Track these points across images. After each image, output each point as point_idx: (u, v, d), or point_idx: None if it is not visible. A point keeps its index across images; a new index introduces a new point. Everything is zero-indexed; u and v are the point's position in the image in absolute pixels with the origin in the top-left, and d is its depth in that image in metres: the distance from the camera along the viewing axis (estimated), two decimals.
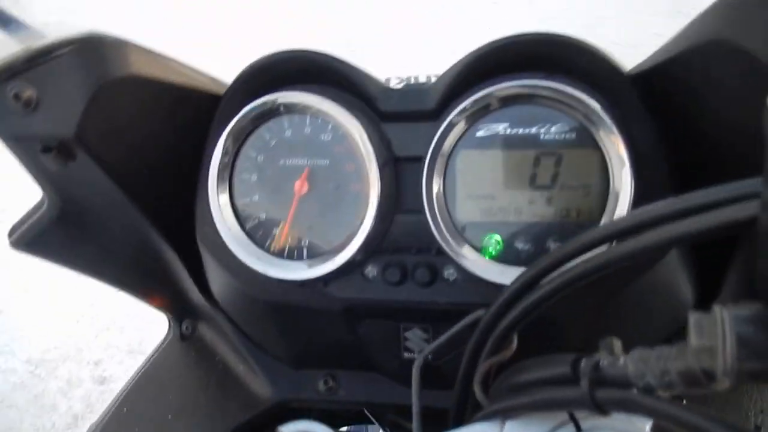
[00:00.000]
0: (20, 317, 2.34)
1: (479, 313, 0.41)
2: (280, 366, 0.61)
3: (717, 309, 0.22)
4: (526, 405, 0.33)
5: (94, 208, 0.55)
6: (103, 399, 2.00)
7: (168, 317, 0.75)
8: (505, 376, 0.37)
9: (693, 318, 0.23)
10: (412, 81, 0.57)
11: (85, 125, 0.47)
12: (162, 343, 0.75)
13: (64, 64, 0.47)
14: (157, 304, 0.74)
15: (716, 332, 0.22)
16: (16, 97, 0.47)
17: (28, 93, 0.47)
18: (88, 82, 0.47)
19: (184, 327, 0.75)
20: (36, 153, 0.47)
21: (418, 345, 0.53)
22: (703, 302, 0.50)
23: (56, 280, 2.41)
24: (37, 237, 0.56)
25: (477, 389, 0.38)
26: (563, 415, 0.34)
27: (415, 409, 0.41)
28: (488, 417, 0.36)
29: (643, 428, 0.33)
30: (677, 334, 0.50)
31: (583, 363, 0.30)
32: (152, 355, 0.74)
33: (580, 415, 0.34)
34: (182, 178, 0.57)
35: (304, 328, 0.56)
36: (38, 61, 0.47)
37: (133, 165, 0.52)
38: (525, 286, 0.36)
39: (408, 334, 0.53)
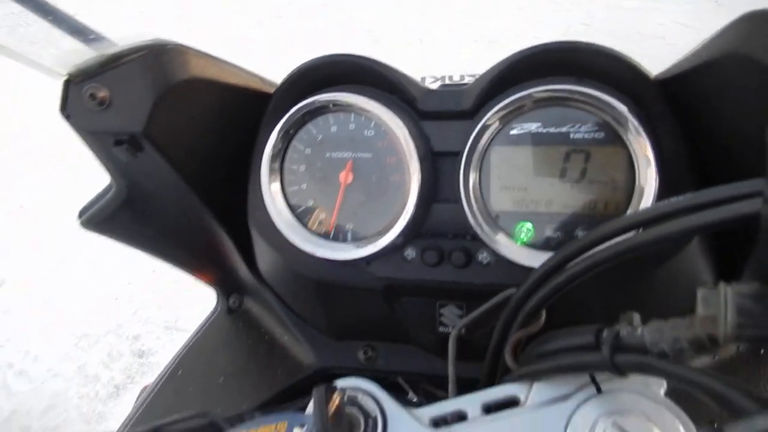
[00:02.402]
0: (65, 296, 2.46)
1: (511, 290, 0.46)
2: (322, 337, 0.67)
3: (721, 285, 0.27)
4: (553, 368, 0.38)
5: (157, 194, 0.61)
6: (142, 371, 2.11)
7: (217, 292, 0.81)
8: (533, 345, 0.42)
9: (700, 293, 0.28)
10: (447, 80, 0.61)
11: (152, 122, 0.53)
12: (210, 316, 0.82)
13: (133, 69, 0.53)
14: (207, 280, 0.80)
15: (719, 304, 0.26)
16: (92, 96, 0.53)
17: (102, 93, 0.53)
18: (155, 85, 0.53)
19: (231, 302, 0.81)
20: (109, 145, 0.53)
21: (453, 320, 0.58)
22: None
23: (95, 262, 2.53)
24: (104, 218, 0.62)
25: (507, 356, 0.43)
26: (585, 378, 0.39)
27: (450, 376, 0.46)
28: (517, 379, 0.41)
29: (657, 389, 0.37)
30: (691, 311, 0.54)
31: (605, 332, 0.35)
32: (202, 327, 0.81)
33: (600, 378, 0.39)
34: (235, 168, 0.62)
35: (346, 304, 0.61)
36: (111, 66, 0.53)
37: (192, 156, 0.58)
38: (555, 267, 0.41)
39: (443, 311, 0.58)
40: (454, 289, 0.55)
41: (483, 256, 0.54)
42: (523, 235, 0.52)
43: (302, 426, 0.42)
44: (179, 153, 0.56)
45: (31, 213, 2.89)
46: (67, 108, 0.52)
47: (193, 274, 0.78)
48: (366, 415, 0.42)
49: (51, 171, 3.09)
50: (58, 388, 2.09)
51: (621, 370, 0.34)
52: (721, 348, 0.29)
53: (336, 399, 0.39)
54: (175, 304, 2.33)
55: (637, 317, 0.35)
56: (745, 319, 0.26)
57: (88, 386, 2.09)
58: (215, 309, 0.83)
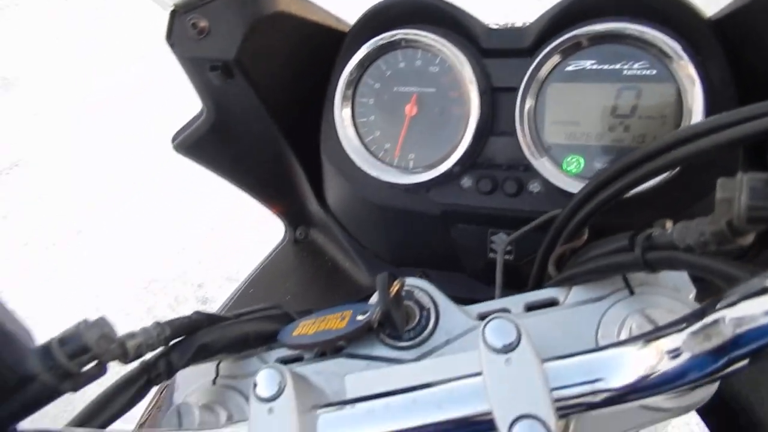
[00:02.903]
0: (135, 245, 2.65)
1: (557, 210, 0.50)
2: (381, 263, 0.74)
3: (739, 173, 0.30)
4: (590, 270, 0.42)
5: (241, 120, 0.68)
6: None
7: (284, 224, 0.89)
8: (574, 258, 0.46)
9: (720, 181, 0.31)
10: (509, 26, 0.66)
11: (242, 51, 0.60)
12: (278, 245, 0.90)
13: (230, 2, 0.60)
14: (276, 211, 0.88)
15: (735, 187, 0.30)
16: (193, 26, 0.60)
17: (203, 23, 0.60)
18: (246, 17, 0.60)
19: (297, 233, 0.89)
20: (204, 71, 0.61)
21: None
22: None
23: (163, 216, 2.70)
24: (194, 142, 0.70)
25: (551, 266, 0.48)
26: (620, 283, 0.43)
27: (498, 280, 0.52)
28: (558, 284, 0.46)
29: (686, 294, 0.41)
30: None
31: (639, 236, 0.39)
32: (269, 255, 0.89)
33: (633, 283, 0.43)
34: (310, 101, 0.69)
35: (405, 230, 0.67)
36: None
37: (274, 86, 0.65)
38: (603, 183, 0.45)
39: (494, 238, 0.63)
40: (505, 216, 0.60)
41: (533, 186, 0.59)
42: (573, 167, 0.57)
43: (365, 313, 0.48)
44: (264, 81, 0.63)
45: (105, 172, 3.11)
46: (171, 37, 0.60)
47: (265, 204, 0.86)
48: (421, 307, 0.48)
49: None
50: (129, 326, 2.27)
51: (652, 266, 0.38)
52: (740, 237, 0.32)
53: (396, 285, 0.45)
54: (235, 257, 2.47)
55: (669, 223, 0.39)
56: (757, 200, 0.29)
57: None
58: (283, 239, 0.91)
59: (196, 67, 0.62)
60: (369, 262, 0.75)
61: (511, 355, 0.33)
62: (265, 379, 0.37)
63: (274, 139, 0.70)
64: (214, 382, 0.49)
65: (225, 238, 2.55)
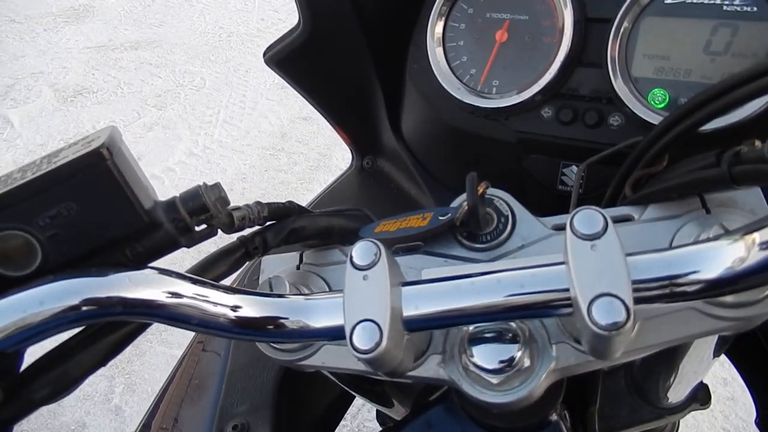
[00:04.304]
0: None
1: (639, 138, 0.51)
2: (448, 193, 0.76)
3: None
4: (671, 187, 0.44)
5: (333, 36, 0.71)
6: None
7: (352, 152, 0.93)
8: (653, 180, 0.47)
9: None
10: None
11: None
12: (344, 173, 0.94)
13: None
14: (348, 138, 0.91)
15: None
16: None
17: None
18: None
19: (365, 162, 0.93)
20: None
21: (572, 180, 0.64)
22: None
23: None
24: (285, 56, 0.73)
25: (628, 188, 0.49)
26: (696, 203, 0.44)
27: (573, 199, 0.54)
28: (634, 202, 0.47)
29: (762, 211, 0.42)
30: None
31: (726, 152, 0.40)
32: (335, 181, 0.93)
33: (711, 203, 0.44)
34: (401, 22, 0.71)
35: (478, 157, 0.70)
36: None
37: (370, 4, 0.67)
38: (686, 113, 0.46)
39: (566, 170, 0.64)
40: (581, 148, 0.62)
41: (614, 119, 0.60)
42: (658, 100, 0.57)
43: (445, 215, 0.51)
44: (366, 4, 0.65)
45: None
46: None
47: (339, 129, 0.89)
48: (499, 213, 0.50)
49: None
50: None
51: (737, 181, 0.39)
52: None
53: (483, 186, 0.48)
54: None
55: (758, 142, 0.40)
56: None
57: None
58: (350, 167, 0.95)
59: None
60: (437, 191, 0.78)
61: (597, 242, 0.36)
62: (362, 249, 0.40)
63: (360, 61, 0.72)
64: (297, 268, 0.54)
65: None
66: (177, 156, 2.88)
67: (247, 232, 0.47)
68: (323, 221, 0.54)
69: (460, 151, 0.71)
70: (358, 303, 0.38)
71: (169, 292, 0.38)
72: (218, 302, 0.39)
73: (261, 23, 3.85)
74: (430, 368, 0.45)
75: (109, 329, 0.41)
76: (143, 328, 0.42)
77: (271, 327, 0.40)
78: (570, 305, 0.36)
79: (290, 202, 0.52)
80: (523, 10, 0.63)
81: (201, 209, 0.42)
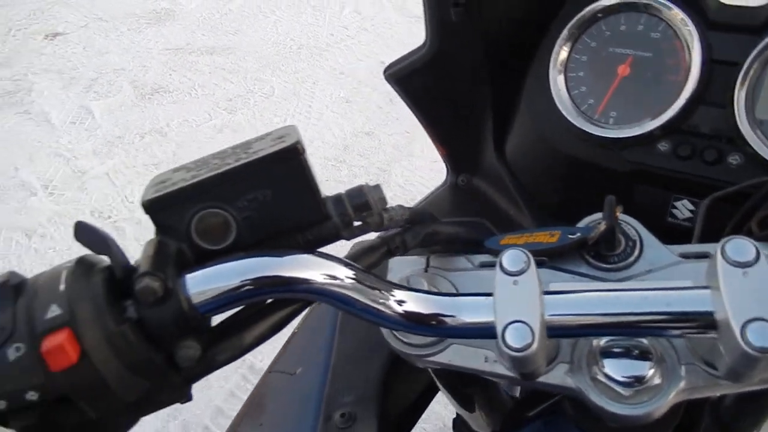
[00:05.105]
0: None
1: (766, 178, 0.53)
2: (549, 218, 0.79)
3: None
4: None
5: (458, 59, 0.75)
6: None
7: (448, 168, 0.97)
8: None
9: None
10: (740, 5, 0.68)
11: None
12: (437, 189, 0.98)
13: None
14: (446, 155, 0.95)
15: None
16: None
17: None
18: None
19: (460, 179, 0.97)
20: (446, 5, 0.68)
21: (683, 214, 0.67)
22: None
23: None
24: (407, 74, 0.78)
25: (754, 225, 0.51)
26: None
27: (696, 232, 0.56)
28: (763, 239, 0.49)
29: None
30: None
31: None
32: (428, 196, 0.97)
33: None
34: (523, 49, 0.75)
35: (585, 183, 0.72)
36: None
37: (499, 29, 0.72)
38: None
39: (677, 204, 0.67)
40: (697, 183, 0.64)
41: (734, 158, 0.62)
42: None
43: (574, 234, 0.54)
44: (492, 25, 0.70)
45: None
46: None
47: (440, 145, 0.93)
48: (627, 237, 0.53)
49: None
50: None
51: None
52: None
53: (619, 209, 0.51)
54: None
55: None
56: None
57: None
58: (444, 183, 0.98)
59: (439, 1, 0.69)
60: (536, 212, 0.81)
61: (749, 270, 0.38)
62: (512, 257, 0.44)
63: (478, 83, 0.77)
64: (425, 270, 0.57)
65: None
66: None
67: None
68: (452, 229, 0.58)
69: (567, 176, 0.74)
70: (509, 305, 0.41)
71: (336, 276, 0.42)
72: (379, 291, 0.43)
73: (330, 38, 3.96)
74: (557, 376, 0.48)
75: (278, 305, 0.45)
76: (305, 306, 0.46)
77: (421, 320, 0.44)
78: (714, 327, 0.38)
79: (423, 209, 0.56)
80: (648, 48, 0.66)
81: (364, 206, 0.47)
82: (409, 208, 0.53)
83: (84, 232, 0.39)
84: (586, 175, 0.71)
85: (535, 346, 0.39)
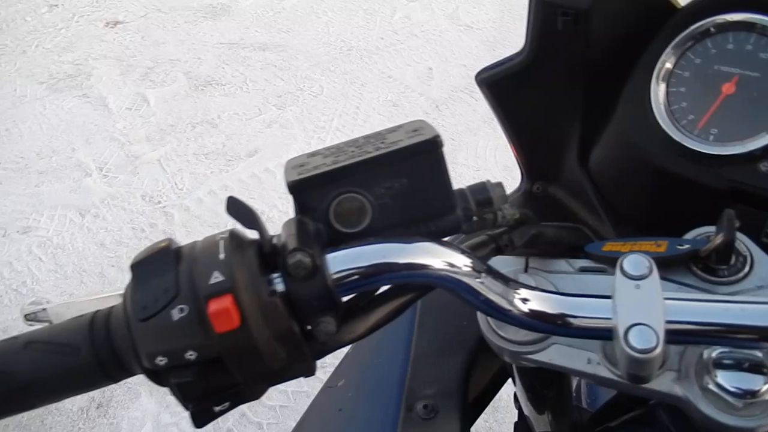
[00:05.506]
0: None
1: None
2: (628, 228, 0.79)
3: None
4: None
5: (553, 67, 0.76)
6: None
7: (523, 174, 0.97)
8: None
9: None
10: None
11: (596, 2, 0.68)
12: (511, 195, 0.98)
13: None
14: (524, 164, 0.95)
15: None
16: None
17: None
18: None
19: (535, 187, 0.97)
20: (553, 13, 0.69)
21: None
22: None
23: None
24: (500, 79, 0.79)
25: None
26: None
27: None
28: None
29: None
30: None
31: None
32: None
33: None
34: (621, 62, 0.75)
35: (677, 198, 0.72)
36: None
37: (600, 41, 0.72)
38: None
39: None
40: None
41: None
42: None
43: (682, 245, 0.55)
44: (594, 35, 0.70)
45: None
46: None
47: (518, 152, 0.94)
48: (737, 252, 0.53)
49: None
50: None
51: None
52: None
53: (737, 223, 0.51)
54: None
55: None
56: None
57: None
58: (517, 189, 0.99)
59: (548, 8, 0.70)
60: (617, 222, 0.81)
61: None
62: (633, 261, 0.45)
63: (571, 91, 0.77)
64: (525, 270, 0.59)
65: None
66: (290, 154, 3.03)
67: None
68: (556, 232, 0.59)
69: (657, 190, 0.74)
70: (632, 308, 0.42)
71: (465, 268, 0.44)
72: (505, 286, 0.45)
73: (380, 42, 4.01)
74: (664, 383, 0.49)
75: (398, 290, 0.47)
76: (423, 294, 0.48)
77: (541, 317, 0.45)
78: None
79: (528, 211, 0.58)
80: (756, 68, 0.66)
81: (486, 202, 0.48)
82: (518, 208, 0.54)
83: (235, 207, 0.42)
84: (679, 189, 0.71)
85: (659, 349, 0.40)
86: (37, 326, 0.54)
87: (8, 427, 1.96)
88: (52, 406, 2.00)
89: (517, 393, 0.79)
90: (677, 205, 0.74)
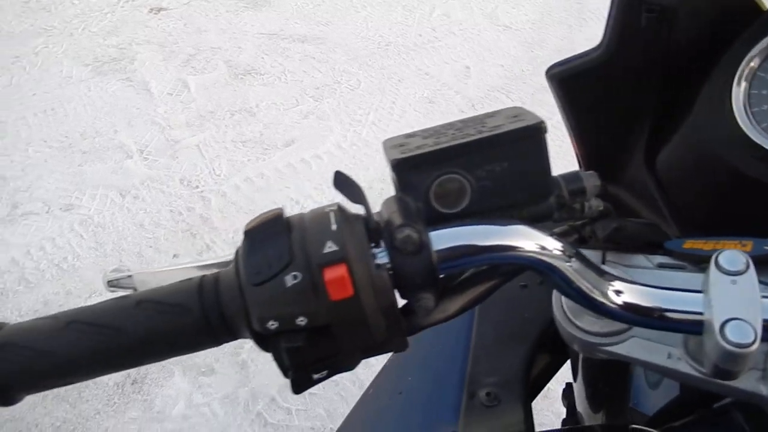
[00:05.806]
0: None
1: None
2: (694, 229, 0.78)
3: None
4: None
5: (630, 65, 0.76)
6: None
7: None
8: None
9: None
10: None
11: (682, 2, 0.67)
12: None
13: None
14: (585, 162, 0.95)
15: None
16: None
17: None
18: None
19: None
20: (639, 9, 0.68)
21: None
22: None
23: None
24: (573, 74, 0.79)
25: None
26: None
27: None
28: None
29: None
30: None
31: None
32: None
33: None
34: (699, 60, 0.75)
35: (752, 202, 0.72)
36: None
37: (682, 40, 0.72)
38: None
39: None
40: None
41: None
42: None
43: None
44: (677, 35, 0.70)
45: None
46: None
47: (580, 150, 0.94)
48: None
49: None
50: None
51: None
52: None
53: None
54: None
55: None
56: None
57: None
58: None
59: (633, 3, 0.70)
60: (683, 224, 0.80)
61: None
62: (730, 257, 0.45)
63: (644, 90, 0.77)
64: (602, 263, 0.59)
65: None
66: (326, 146, 3.06)
67: None
68: (637, 227, 0.59)
69: (730, 192, 0.73)
70: (728, 303, 0.42)
71: (562, 255, 0.44)
72: (597, 276, 0.45)
73: (418, 38, 4.01)
74: (749, 382, 0.49)
75: (488, 273, 0.47)
76: (512, 277, 0.48)
77: (634, 310, 0.45)
78: None
79: (609, 204, 0.58)
80: None
81: (579, 192, 0.48)
82: (603, 201, 0.54)
83: (342, 182, 0.43)
84: (754, 192, 0.70)
85: (756, 344, 0.40)
86: (120, 293, 0.56)
87: (47, 398, 2.02)
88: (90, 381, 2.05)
89: (574, 388, 0.79)
90: (749, 208, 0.73)
